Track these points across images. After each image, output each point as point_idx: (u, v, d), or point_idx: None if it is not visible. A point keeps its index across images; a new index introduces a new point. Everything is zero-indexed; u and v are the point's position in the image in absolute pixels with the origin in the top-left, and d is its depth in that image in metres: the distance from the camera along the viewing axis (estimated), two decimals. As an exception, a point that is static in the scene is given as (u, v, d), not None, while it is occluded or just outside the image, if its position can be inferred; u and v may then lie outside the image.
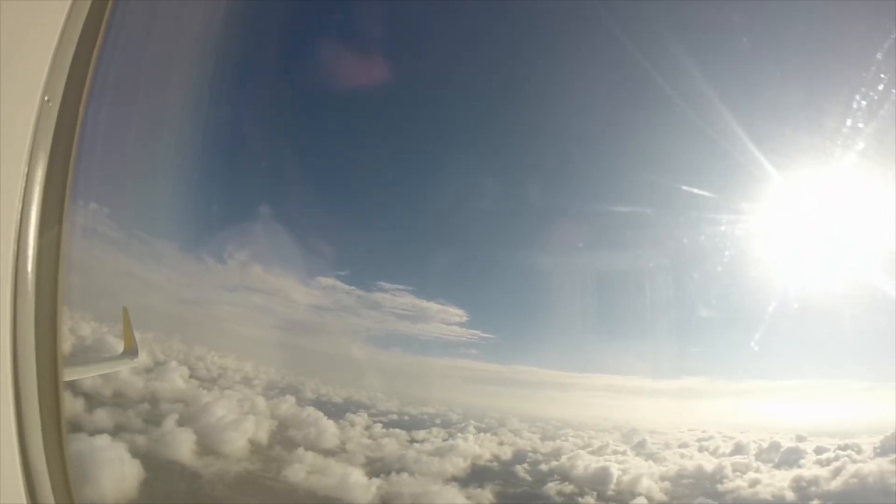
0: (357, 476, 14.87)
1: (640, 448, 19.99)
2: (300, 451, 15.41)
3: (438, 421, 20.61)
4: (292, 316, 20.89)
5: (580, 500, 16.81)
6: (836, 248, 17.32)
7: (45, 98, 2.16)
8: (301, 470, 14.65)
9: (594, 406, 23.55)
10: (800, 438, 19.30)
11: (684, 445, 20.25)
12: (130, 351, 9.66)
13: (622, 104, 20.23)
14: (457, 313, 22.25)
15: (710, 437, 20.46)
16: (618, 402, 23.24)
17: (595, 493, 16.97)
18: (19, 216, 2.07)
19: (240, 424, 15.23)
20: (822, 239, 17.17)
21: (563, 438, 20.40)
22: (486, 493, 16.24)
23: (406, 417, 20.43)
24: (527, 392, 24.32)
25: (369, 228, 22.82)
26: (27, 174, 2.11)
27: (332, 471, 14.89)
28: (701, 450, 19.86)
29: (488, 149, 22.66)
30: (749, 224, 16.94)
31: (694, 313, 21.23)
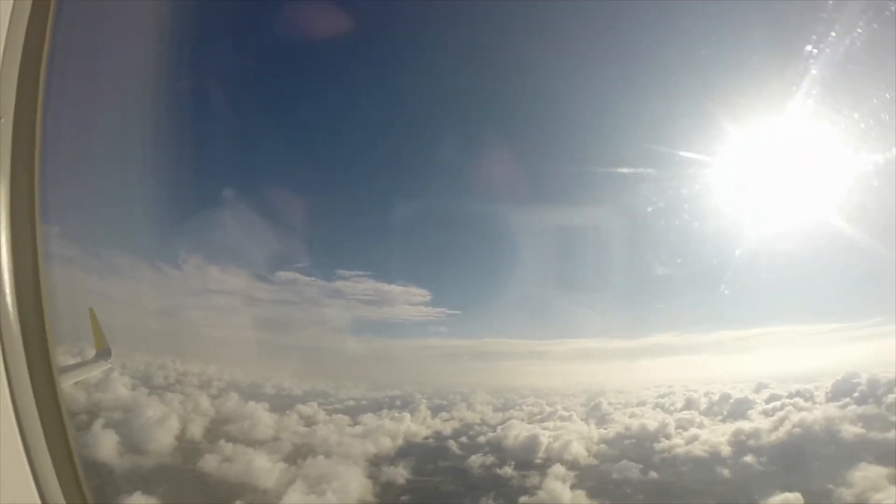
0: (263, 462, 15.96)
1: (593, 411, 19.37)
2: (222, 442, 16.80)
3: (398, 402, 21.12)
4: (257, 313, 21.88)
5: (498, 470, 16.68)
6: (792, 194, 16.18)
7: None
8: (213, 460, 16.08)
9: (565, 372, 22.98)
10: (759, 387, 17.80)
11: (642, 404, 19.37)
12: (104, 352, 9.58)
13: (572, 66, 19.58)
14: (420, 293, 22.46)
15: (671, 393, 19.43)
16: (589, 365, 22.70)
17: (514, 463, 16.74)
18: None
19: (168, 424, 16.87)
20: (779, 186, 16.07)
21: (518, 408, 20.24)
22: (400, 470, 16.63)
23: (364, 402, 20.96)
24: (498, 364, 24.23)
25: (320, 217, 22.66)
26: None
27: (242, 459, 16.10)
28: (656, 407, 18.92)
29: (435, 119, 22.45)
30: (705, 178, 16.07)
31: (657, 270, 20.21)
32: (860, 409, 15.24)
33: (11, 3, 2.20)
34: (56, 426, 2.25)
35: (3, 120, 2.19)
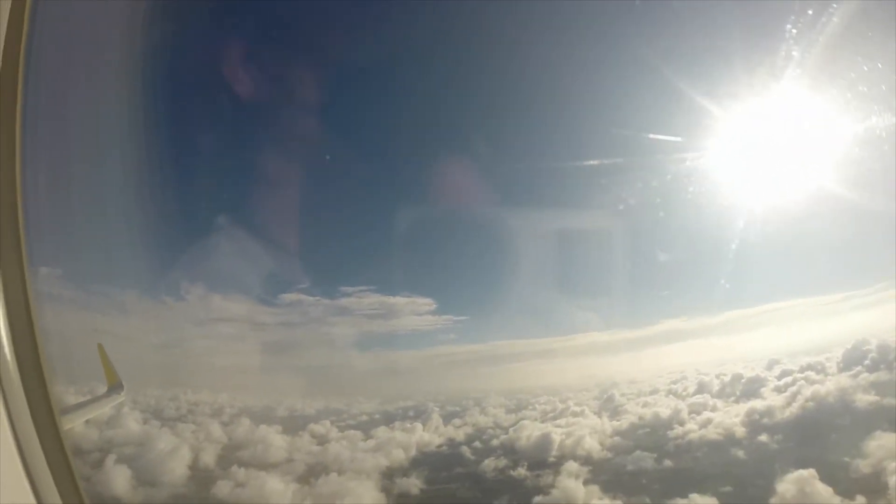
0: (275, 484, 15.94)
1: (606, 404, 19.11)
2: (234, 468, 16.81)
3: (412, 413, 21.05)
4: (264, 337, 21.71)
5: (512, 472, 16.50)
6: (785, 171, 16.23)
7: None
8: (226, 486, 16.10)
9: (576, 367, 22.71)
10: (771, 364, 17.46)
11: (655, 392, 19.10)
12: (116, 386, 9.59)
13: (559, 64, 19.52)
14: (425, 303, 22.40)
15: (683, 379, 19.17)
16: (599, 358, 22.42)
17: (527, 464, 16.55)
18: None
19: (181, 454, 16.94)
20: (771, 164, 16.21)
21: (531, 408, 20.06)
22: (413, 481, 16.52)
23: (377, 416, 20.95)
24: (509, 366, 24.11)
25: (319, 236, 22.75)
26: None
27: (255, 483, 16.09)
28: (668, 394, 18.63)
29: (426, 122, 22.29)
30: (698, 161, 15.92)
31: (659, 258, 20.02)
32: (872, 377, 14.96)
33: None
34: (60, 462, 2.28)
35: None
